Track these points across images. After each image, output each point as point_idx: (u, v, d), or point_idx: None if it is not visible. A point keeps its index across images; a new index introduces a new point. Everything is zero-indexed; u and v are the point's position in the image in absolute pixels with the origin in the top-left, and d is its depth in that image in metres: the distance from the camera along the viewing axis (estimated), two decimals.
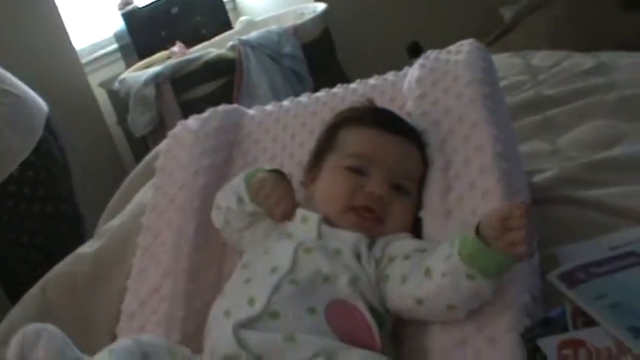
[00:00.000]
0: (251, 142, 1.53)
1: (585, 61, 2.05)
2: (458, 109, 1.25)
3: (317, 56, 3.42)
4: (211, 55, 3.29)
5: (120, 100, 3.36)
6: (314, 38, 3.46)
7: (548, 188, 1.44)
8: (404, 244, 1.14)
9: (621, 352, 0.87)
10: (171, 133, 1.58)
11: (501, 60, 2.28)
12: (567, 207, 1.36)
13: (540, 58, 2.21)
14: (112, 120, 3.61)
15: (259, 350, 0.98)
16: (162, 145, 1.57)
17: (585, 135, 1.65)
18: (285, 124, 1.51)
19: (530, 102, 1.89)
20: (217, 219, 1.31)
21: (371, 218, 1.18)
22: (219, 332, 1.05)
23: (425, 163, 1.26)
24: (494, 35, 3.68)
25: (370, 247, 1.15)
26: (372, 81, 1.51)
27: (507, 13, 3.96)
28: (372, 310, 1.07)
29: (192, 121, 1.57)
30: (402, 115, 1.32)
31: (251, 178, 1.27)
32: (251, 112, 1.62)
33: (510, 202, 1.01)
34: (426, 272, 1.03)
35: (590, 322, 0.93)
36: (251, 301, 1.05)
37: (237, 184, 1.28)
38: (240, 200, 1.26)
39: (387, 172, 1.20)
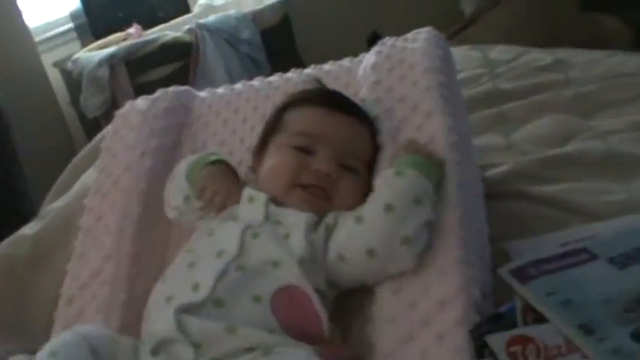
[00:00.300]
0: (200, 125, 1.48)
1: (543, 57, 2.04)
2: (413, 98, 1.22)
3: (275, 43, 3.39)
4: (168, 38, 3.24)
5: (73, 81, 3.29)
6: (273, 25, 3.42)
7: (502, 183, 1.43)
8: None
9: (570, 350, 0.86)
10: (118, 113, 1.53)
11: (459, 53, 2.26)
12: (520, 202, 1.35)
13: (498, 52, 2.20)
14: (65, 100, 3.53)
15: (199, 337, 0.95)
16: (109, 126, 1.51)
17: (540, 130, 1.64)
18: (237, 107, 1.47)
19: (486, 95, 1.87)
20: (170, 214, 1.29)
21: (319, 194, 1.15)
22: (158, 317, 1.01)
23: (376, 147, 1.23)
24: (454, 29, 3.68)
25: (321, 218, 1.12)
26: (326, 66, 1.48)
27: (468, 8, 3.96)
28: (318, 292, 1.03)
29: (141, 101, 1.52)
30: (356, 100, 1.29)
31: (193, 174, 1.23)
32: (202, 94, 1.57)
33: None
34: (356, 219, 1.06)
35: (540, 319, 0.91)
36: (195, 287, 1.01)
37: (180, 182, 1.25)
38: (186, 199, 1.23)
39: (334, 151, 1.17)
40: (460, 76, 1.99)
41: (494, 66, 2.07)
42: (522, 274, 0.99)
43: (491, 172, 1.47)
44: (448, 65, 1.30)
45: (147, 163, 1.38)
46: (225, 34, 3.30)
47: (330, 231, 1.09)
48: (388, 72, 1.30)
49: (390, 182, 1.06)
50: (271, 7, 3.41)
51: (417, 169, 1.06)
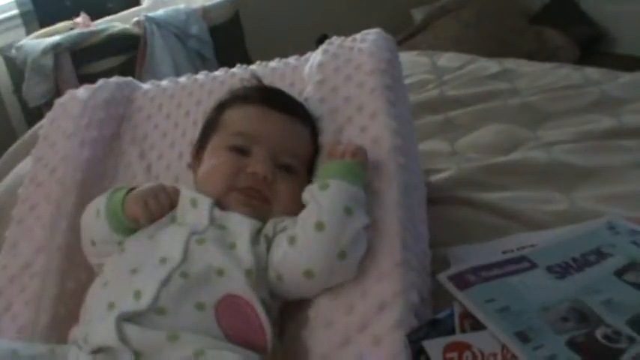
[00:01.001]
0: (142, 117, 1.45)
1: (491, 65, 2.06)
2: (358, 98, 1.20)
3: (224, 40, 3.34)
4: (115, 30, 3.17)
5: (16, 68, 3.19)
6: (223, 21, 3.37)
7: (445, 188, 1.43)
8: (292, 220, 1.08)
9: (507, 358, 0.85)
10: (58, 101, 1.48)
11: (408, 58, 2.27)
12: (462, 208, 1.35)
13: (447, 59, 2.21)
14: (7, 89, 3.43)
15: (140, 346, 0.90)
16: (47, 114, 1.47)
17: (485, 138, 1.65)
18: (180, 101, 1.44)
19: (433, 101, 1.88)
20: (90, 254, 1.19)
21: (257, 197, 1.12)
22: (98, 324, 0.95)
23: (316, 148, 1.20)
24: (404, 35, 3.70)
25: (261, 228, 1.09)
26: (273, 64, 1.46)
27: (418, 15, 3.99)
28: (264, 303, 1.00)
29: (82, 90, 1.48)
30: (299, 99, 1.27)
31: (115, 205, 1.14)
32: (145, 86, 1.53)
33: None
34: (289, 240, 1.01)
35: (477, 326, 0.90)
36: (137, 295, 0.97)
37: (99, 228, 1.15)
38: (108, 239, 1.15)
39: (270, 151, 1.14)
40: (408, 81, 2.00)
41: (442, 73, 2.08)
42: (461, 280, 0.98)
43: (435, 177, 1.47)
44: (395, 68, 1.28)
45: (85, 153, 1.34)
46: (174, 28, 3.25)
47: (269, 243, 1.06)
48: (334, 71, 1.28)
49: (316, 198, 1.02)
50: (222, 3, 3.36)
51: (340, 177, 1.03)
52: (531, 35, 3.66)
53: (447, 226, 1.28)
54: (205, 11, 3.32)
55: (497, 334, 0.87)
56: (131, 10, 3.53)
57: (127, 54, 3.16)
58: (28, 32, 3.41)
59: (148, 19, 3.20)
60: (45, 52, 3.03)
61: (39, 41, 3.14)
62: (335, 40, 1.36)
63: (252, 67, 1.45)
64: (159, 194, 1.12)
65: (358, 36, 1.35)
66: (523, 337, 0.86)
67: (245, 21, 3.45)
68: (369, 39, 1.32)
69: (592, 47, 3.57)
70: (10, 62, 3.32)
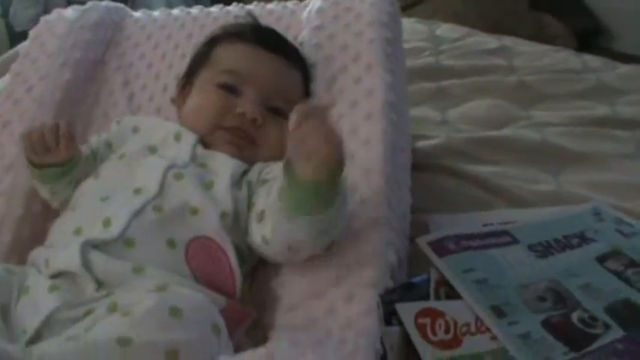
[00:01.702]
0: (129, 45, 1.39)
1: (489, 41, 2.02)
2: (355, 47, 1.15)
3: None
4: None
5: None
6: None
7: (431, 156, 1.40)
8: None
9: (480, 330, 0.83)
10: (44, 18, 1.43)
11: (406, 24, 2.19)
12: (446, 178, 1.32)
13: (445, 29, 2.17)
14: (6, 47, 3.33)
15: (103, 275, 0.87)
16: (31, 30, 1.41)
17: (477, 111, 1.62)
18: (170, 32, 1.38)
19: (427, 69, 1.84)
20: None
21: (244, 137, 1.08)
22: (63, 248, 0.92)
23: (307, 93, 1.16)
24: (402, 4, 3.63)
25: (247, 171, 1.04)
26: (270, 5, 1.40)
27: None
28: (236, 248, 0.96)
29: (70, 10, 1.42)
30: (293, 43, 1.22)
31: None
32: (136, 14, 1.48)
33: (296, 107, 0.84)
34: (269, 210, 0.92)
35: (453, 295, 0.88)
36: (106, 222, 0.93)
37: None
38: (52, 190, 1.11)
39: (261, 92, 1.10)
40: (404, 46, 1.95)
41: (439, 42, 2.04)
42: (441, 247, 0.95)
43: (422, 143, 1.44)
44: (395, 23, 1.23)
45: (66, 74, 1.29)
46: None
47: (251, 190, 1.01)
48: (333, 18, 1.23)
49: (285, 226, 0.88)
50: None
51: (307, 211, 0.85)
52: (530, 20, 3.62)
53: (429, 194, 1.25)
54: None
55: (473, 305, 0.85)
56: None
57: None
58: None
59: None
60: None
61: None
62: None
63: (249, 6, 1.40)
64: (45, 131, 1.06)
65: None
66: (498, 312, 0.84)
67: None
68: None
69: (590, 41, 3.53)
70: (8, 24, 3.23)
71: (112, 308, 0.79)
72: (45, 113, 1.23)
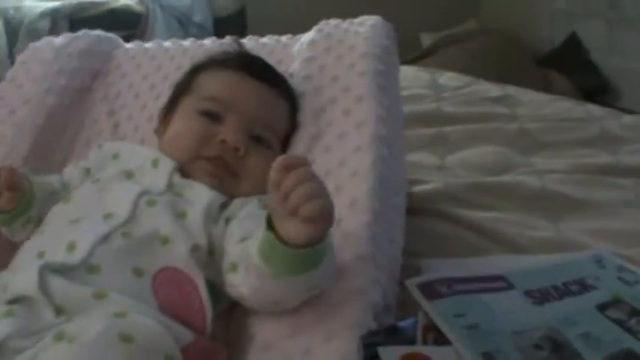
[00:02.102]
0: (119, 74, 1.37)
1: (492, 89, 2.00)
2: (346, 79, 1.12)
3: (227, 32, 3.26)
4: (118, 4, 3.10)
5: (14, 31, 3.06)
6: (228, 14, 3.32)
7: (427, 200, 1.35)
8: (253, 212, 0.97)
9: None
10: (32, 44, 1.43)
11: (408, 72, 2.21)
12: (442, 223, 1.28)
13: (448, 78, 2.15)
14: (3, 52, 3.33)
15: (62, 301, 0.81)
16: (19, 56, 1.39)
17: (477, 158, 1.58)
18: (160, 63, 1.36)
19: (428, 115, 1.81)
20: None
21: (224, 168, 1.03)
22: (22, 271, 0.87)
23: (294, 124, 1.12)
24: (410, 58, 3.64)
25: (227, 205, 0.99)
26: (264, 39, 1.38)
27: (426, 40, 3.94)
28: (209, 284, 0.90)
29: (61, 38, 1.42)
30: (285, 75, 1.18)
31: None
32: (128, 45, 1.47)
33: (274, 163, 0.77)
34: (246, 265, 0.84)
35: (441, 341, 0.82)
36: (71, 247, 0.87)
37: None
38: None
39: (244, 120, 1.05)
40: (405, 93, 1.92)
41: (441, 90, 2.02)
42: (431, 290, 0.90)
43: (419, 187, 1.39)
44: (390, 56, 1.20)
45: (50, 100, 1.28)
46: (178, 12, 3.18)
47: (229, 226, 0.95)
48: (325, 50, 1.20)
49: (267, 287, 0.82)
50: None
51: (291, 272, 0.79)
52: (536, 77, 3.62)
53: (424, 238, 1.21)
54: (211, 0, 3.26)
55: (462, 351, 0.79)
56: None
57: (125, 30, 3.06)
58: None
59: None
60: (42, 15, 2.97)
61: (38, 4, 3.08)
62: (332, 21, 1.28)
63: (243, 40, 1.37)
64: None
65: (357, 20, 1.27)
66: (489, 359, 0.78)
67: (251, 16, 3.39)
68: (367, 23, 1.24)
69: (596, 98, 3.52)
70: (8, 24, 3.24)
71: (59, 337, 0.73)
72: (24, 137, 1.21)
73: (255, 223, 0.87)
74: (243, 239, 0.87)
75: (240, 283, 0.85)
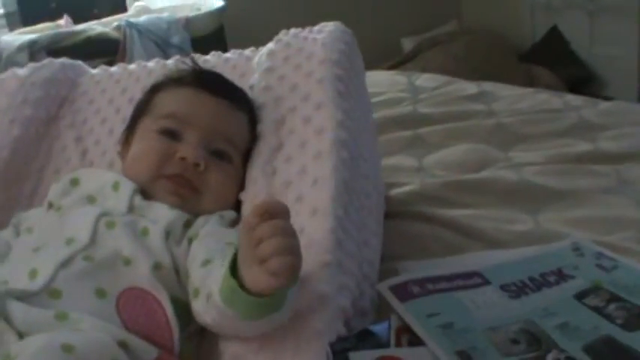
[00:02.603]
0: (85, 101, 1.36)
1: (469, 87, 1.99)
2: (305, 87, 1.11)
3: (206, 52, 3.26)
4: (94, 32, 3.09)
5: None
6: (206, 34, 3.31)
7: (404, 203, 1.34)
8: (213, 230, 0.96)
9: None
10: None
11: (385, 77, 2.21)
12: (420, 223, 1.26)
13: (425, 79, 2.14)
14: None
15: (24, 326, 0.80)
16: None
17: (454, 156, 1.57)
18: (125, 86, 1.35)
19: (404, 117, 1.80)
20: None
21: (186, 186, 1.02)
22: None
23: (254, 136, 1.11)
24: (392, 63, 3.64)
25: (190, 224, 0.98)
26: (227, 54, 1.37)
27: (408, 44, 3.94)
28: (176, 302, 0.89)
29: (24, 68, 1.40)
30: (245, 88, 1.18)
31: None
32: (94, 71, 1.46)
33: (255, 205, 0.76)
34: (207, 295, 0.83)
35: (416, 342, 0.81)
36: (32, 274, 0.87)
37: None
38: None
39: (203, 135, 1.05)
40: (382, 98, 1.93)
41: (418, 92, 2.01)
42: (404, 292, 0.89)
43: (395, 190, 1.38)
44: (349, 60, 1.19)
45: (15, 131, 1.26)
46: (155, 36, 3.17)
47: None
48: (284, 60, 1.19)
49: (229, 323, 0.81)
50: (206, 15, 3.29)
51: (257, 314, 0.78)
52: (520, 73, 3.62)
53: (402, 241, 1.20)
54: (188, 22, 3.25)
55: (436, 351, 0.78)
56: (117, 16, 3.45)
57: (104, 57, 3.05)
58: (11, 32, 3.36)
59: (129, 24, 3.12)
60: (21, 48, 2.95)
61: (16, 37, 3.08)
62: (291, 31, 1.27)
63: (206, 57, 1.37)
64: None
65: (317, 27, 1.26)
66: (465, 357, 0.78)
67: (229, 35, 3.39)
68: (325, 30, 1.23)
69: (581, 89, 3.51)
70: None
71: (4, 358, 0.73)
72: None
73: (216, 244, 0.88)
74: (206, 262, 0.87)
75: (203, 312, 0.84)
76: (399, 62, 3.73)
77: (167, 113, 1.07)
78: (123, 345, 0.79)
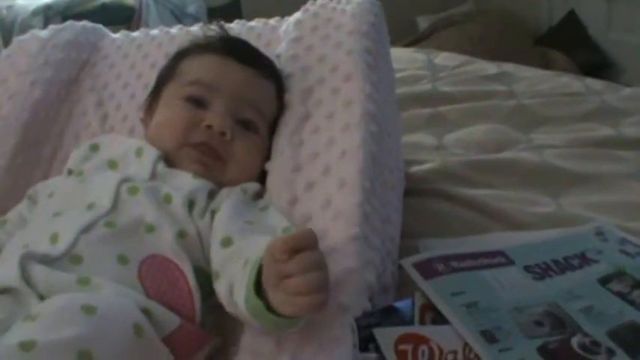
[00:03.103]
0: (106, 65, 1.34)
1: (489, 67, 1.97)
2: (333, 58, 1.09)
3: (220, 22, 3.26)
4: None
5: (7, 30, 3.07)
6: (222, 4, 3.30)
7: (425, 180, 1.33)
8: (235, 205, 0.94)
9: (468, 357, 0.75)
10: (17, 38, 1.40)
11: (404, 54, 2.18)
12: (440, 202, 1.26)
13: (443, 58, 2.12)
14: None
15: (45, 289, 0.79)
16: (4, 50, 1.38)
17: (475, 136, 1.55)
18: (147, 52, 1.33)
19: (424, 95, 1.78)
20: None
21: (211, 155, 1.01)
22: (5, 263, 0.85)
23: (281, 105, 1.09)
24: (407, 42, 3.61)
25: (213, 195, 0.97)
26: (252, 23, 1.36)
27: (423, 23, 3.91)
28: (200, 271, 0.88)
29: (45, 30, 1.39)
30: (271, 56, 1.16)
31: None
32: (115, 35, 1.44)
33: (284, 237, 0.73)
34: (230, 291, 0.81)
35: (439, 321, 0.80)
36: (53, 238, 0.86)
37: None
38: None
39: (230, 103, 1.03)
40: (401, 75, 1.91)
41: (438, 70, 1.99)
42: (428, 269, 0.88)
43: (416, 167, 1.37)
44: (378, 33, 1.17)
45: (36, 93, 1.24)
46: (171, 4, 3.17)
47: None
48: (311, 30, 1.17)
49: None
50: None
51: (282, 326, 0.76)
52: (536, 56, 3.58)
53: (422, 218, 1.18)
54: None
55: (461, 330, 0.78)
56: None
57: (119, 25, 3.06)
58: None
59: None
60: (35, 13, 2.97)
61: (30, 2, 3.07)
62: (319, 1, 1.25)
63: (231, 25, 1.35)
64: None
65: None
66: (489, 337, 0.77)
67: (245, 5, 3.37)
68: (353, 1, 1.21)
69: (596, 74, 3.48)
70: (1, 23, 3.22)
71: (26, 318, 0.71)
72: (10, 133, 1.19)
73: (236, 222, 0.88)
74: (225, 241, 0.86)
75: (224, 300, 0.83)
76: (414, 40, 3.70)
77: (193, 80, 1.06)
78: (145, 312, 0.78)
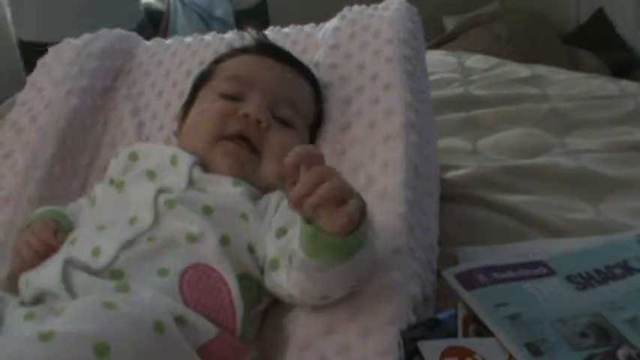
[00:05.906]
0: (141, 73, 1.35)
1: (521, 70, 1.95)
2: (372, 67, 1.09)
3: (249, 26, 3.25)
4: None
5: None
6: (250, 7, 3.30)
7: (460, 186, 1.32)
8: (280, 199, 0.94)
9: None
10: (52, 47, 1.40)
11: (435, 56, 2.17)
12: (477, 208, 1.24)
13: (475, 60, 2.10)
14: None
15: (83, 294, 0.80)
16: (40, 59, 1.38)
17: (509, 140, 1.54)
18: (182, 59, 1.33)
19: (456, 99, 1.77)
20: None
21: (246, 147, 1.00)
22: (45, 270, 0.86)
23: (319, 112, 1.09)
24: (434, 42, 3.60)
25: (255, 200, 0.96)
26: (287, 29, 1.36)
27: (450, 24, 3.89)
28: (245, 278, 0.87)
29: (80, 38, 1.39)
30: (309, 64, 1.16)
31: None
32: (148, 42, 1.45)
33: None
34: (289, 258, 0.82)
35: (482, 332, 0.80)
36: (96, 252, 0.86)
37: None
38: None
39: (267, 98, 1.03)
40: (433, 78, 1.87)
41: (469, 73, 1.98)
42: (470, 280, 0.87)
43: (451, 173, 1.36)
44: (416, 40, 1.17)
45: (72, 102, 1.25)
46: (199, 8, 3.17)
47: (266, 222, 0.93)
48: (349, 37, 1.17)
49: (317, 281, 0.80)
50: None
51: (342, 255, 0.76)
52: (564, 55, 3.55)
53: (459, 225, 1.17)
54: None
55: (506, 343, 0.77)
56: None
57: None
58: None
59: None
60: None
61: None
62: (355, 7, 1.25)
63: (266, 31, 1.35)
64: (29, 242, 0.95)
65: (381, 5, 1.24)
66: (534, 350, 0.76)
67: (273, 8, 3.37)
68: (391, 7, 1.21)
69: (625, 73, 3.45)
70: None
71: (52, 313, 0.75)
72: (48, 142, 1.19)
73: (288, 216, 0.86)
74: (281, 231, 0.87)
75: (285, 282, 0.83)
76: (441, 41, 3.69)
77: (229, 76, 1.06)
78: (180, 320, 0.78)
